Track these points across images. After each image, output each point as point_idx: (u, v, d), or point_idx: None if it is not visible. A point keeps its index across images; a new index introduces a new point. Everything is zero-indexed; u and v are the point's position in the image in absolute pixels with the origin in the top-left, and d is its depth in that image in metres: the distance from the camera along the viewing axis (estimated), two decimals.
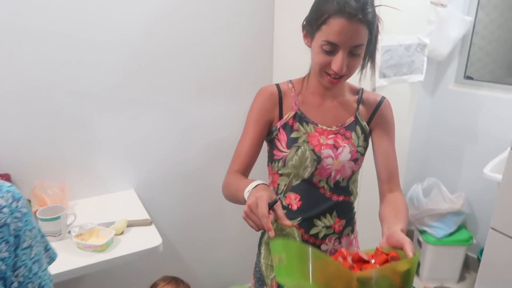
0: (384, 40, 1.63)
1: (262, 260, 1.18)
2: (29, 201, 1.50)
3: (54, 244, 1.34)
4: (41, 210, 1.38)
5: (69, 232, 1.39)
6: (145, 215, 1.56)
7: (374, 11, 0.94)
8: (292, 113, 1.07)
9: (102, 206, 1.63)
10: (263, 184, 0.91)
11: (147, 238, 1.41)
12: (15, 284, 0.72)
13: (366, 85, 1.31)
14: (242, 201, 0.92)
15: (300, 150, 1.04)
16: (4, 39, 1.39)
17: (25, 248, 0.75)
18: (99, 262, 1.28)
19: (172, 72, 1.73)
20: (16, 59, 1.43)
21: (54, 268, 1.24)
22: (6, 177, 1.50)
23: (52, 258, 0.88)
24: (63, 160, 1.62)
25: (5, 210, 0.72)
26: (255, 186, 0.90)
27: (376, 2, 0.98)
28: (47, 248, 0.86)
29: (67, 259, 1.28)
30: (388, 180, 1.11)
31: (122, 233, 1.43)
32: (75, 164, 1.65)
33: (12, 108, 1.48)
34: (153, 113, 1.75)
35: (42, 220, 1.34)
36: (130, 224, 1.47)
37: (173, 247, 1.99)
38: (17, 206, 0.75)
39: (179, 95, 1.78)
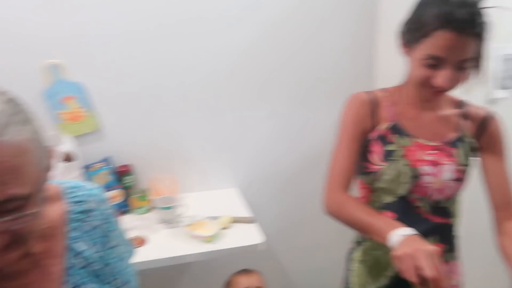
0: (505, 48, 1.47)
1: (355, 278, 1.14)
2: (146, 190, 1.65)
3: (166, 231, 1.48)
4: (157, 200, 1.51)
5: (180, 222, 1.50)
6: (248, 213, 1.61)
7: (485, 21, 0.83)
8: (388, 124, 1.00)
9: (209, 201, 1.72)
10: (417, 234, 0.84)
11: (250, 235, 1.45)
12: (107, 276, 0.78)
13: (478, 97, 1.18)
14: (376, 237, 0.88)
15: (396, 165, 0.97)
16: (124, 43, 1.56)
17: (111, 248, 0.80)
18: (206, 252, 1.36)
19: (275, 78, 1.77)
20: (135, 62, 1.59)
21: (166, 253, 1.34)
22: (129, 168, 1.67)
23: (131, 252, 0.92)
24: (177, 155, 1.75)
25: (94, 213, 0.77)
26: (408, 234, 0.83)
27: (494, 3, 0.87)
28: (127, 245, 0.90)
29: (177, 246, 1.38)
30: (504, 207, 0.99)
31: (226, 228, 1.49)
32: (186, 160, 1.77)
33: (133, 107, 1.65)
34: (257, 117, 1.80)
35: (160, 208, 1.46)
36: (235, 220, 1.53)
37: (270, 248, 2.02)
38: (103, 208, 0.80)
39: (281, 100, 1.81)
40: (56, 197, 0.73)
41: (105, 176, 1.61)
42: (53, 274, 0.70)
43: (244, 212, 1.61)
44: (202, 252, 1.35)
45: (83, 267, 0.73)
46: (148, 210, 1.64)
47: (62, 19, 1.47)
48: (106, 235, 0.78)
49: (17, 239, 0.56)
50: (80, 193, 0.76)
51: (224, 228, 1.48)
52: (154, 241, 1.41)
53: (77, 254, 0.73)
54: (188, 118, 1.72)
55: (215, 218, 1.51)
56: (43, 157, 0.57)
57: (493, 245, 1.00)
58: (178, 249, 1.37)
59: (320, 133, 1.90)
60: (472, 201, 1.31)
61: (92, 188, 0.79)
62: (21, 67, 1.47)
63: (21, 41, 1.45)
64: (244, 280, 1.50)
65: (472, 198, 1.25)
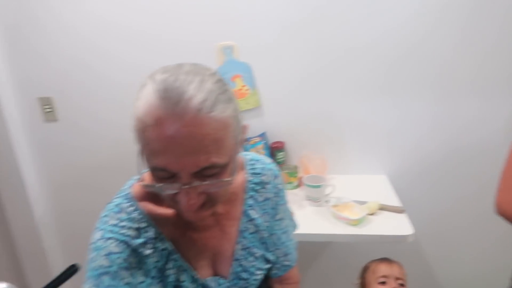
0: None
1: None
2: (296, 167, 1.73)
3: (312, 209, 1.53)
4: (306, 177, 1.58)
5: (327, 201, 1.54)
6: (396, 203, 1.55)
7: None
8: None
9: (356, 185, 1.71)
10: None
11: (398, 226, 1.40)
12: (271, 245, 0.86)
13: None
14: None
15: None
16: (289, 27, 1.62)
17: (278, 220, 0.88)
18: (349, 235, 1.37)
19: (446, 63, 1.62)
20: (299, 45, 1.65)
21: (309, 229, 1.40)
22: (282, 144, 1.78)
23: (295, 227, 0.99)
24: (328, 136, 1.78)
25: (268, 186, 0.85)
26: None
27: None
28: (291, 219, 0.97)
29: (321, 224, 1.43)
30: None
31: (373, 214, 1.47)
32: (337, 142, 1.79)
33: (291, 88, 1.72)
34: (418, 103, 1.69)
35: (308, 186, 1.52)
36: (382, 208, 1.49)
37: (416, 242, 1.92)
38: (276, 183, 0.87)
39: (450, 87, 1.65)
40: (239, 167, 0.84)
41: (261, 150, 1.74)
42: (230, 234, 0.82)
43: (392, 201, 1.56)
44: (347, 234, 1.36)
45: (253, 233, 0.83)
46: (297, 186, 1.73)
47: (237, 2, 1.63)
48: (275, 208, 0.86)
49: (210, 200, 0.66)
50: (258, 166, 0.85)
51: (370, 214, 1.46)
52: (299, 216, 1.48)
53: (250, 220, 0.82)
54: (344, 101, 1.73)
55: (362, 202, 1.50)
56: (239, 132, 0.65)
57: None
58: (322, 227, 1.41)
59: (491, 126, 1.68)
60: None
61: (268, 163, 0.87)
62: (199, 47, 1.69)
63: (199, 24, 1.66)
64: (384, 268, 1.45)
65: None
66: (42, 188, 2.03)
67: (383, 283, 1.42)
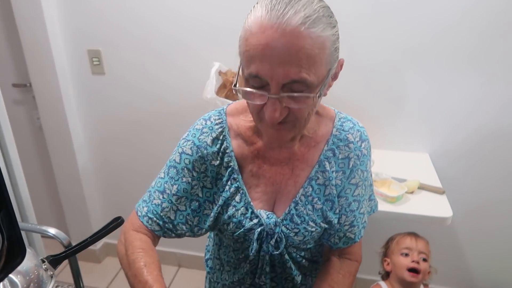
0: None
1: None
2: None
3: None
4: None
5: None
6: (437, 183, 1.51)
7: None
8: None
9: (396, 161, 1.67)
10: None
11: (437, 207, 1.36)
12: (337, 206, 0.83)
13: None
14: None
15: None
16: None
17: (353, 184, 0.84)
18: (386, 212, 1.34)
19: (491, 41, 1.51)
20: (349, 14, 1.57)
21: None
22: None
23: (372, 209, 0.95)
24: (371, 109, 1.73)
25: (351, 145, 0.82)
26: None
27: None
28: (371, 198, 0.93)
29: None
30: None
31: (412, 192, 1.43)
32: (380, 116, 1.73)
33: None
34: (471, 82, 1.59)
35: None
36: (422, 187, 1.46)
37: (452, 224, 1.87)
38: (360, 146, 0.83)
39: (492, 66, 1.55)
40: (328, 118, 0.84)
41: None
42: (298, 177, 0.82)
43: (433, 181, 1.51)
44: (384, 211, 1.33)
45: (321, 184, 0.82)
46: None
47: None
48: (353, 170, 0.83)
49: (291, 120, 0.69)
50: (347, 125, 0.84)
51: (409, 192, 1.43)
52: None
53: (323, 171, 0.82)
54: (395, 73, 1.65)
55: (401, 180, 1.47)
56: (333, 62, 0.67)
57: None
58: None
59: None
60: None
61: (360, 126, 0.86)
62: None
63: None
64: (408, 241, 1.44)
65: None
66: (86, 139, 2.11)
67: (406, 255, 1.42)
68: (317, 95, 0.65)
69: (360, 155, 0.83)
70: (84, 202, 2.20)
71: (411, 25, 1.55)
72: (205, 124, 0.83)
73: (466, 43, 1.54)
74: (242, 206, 0.81)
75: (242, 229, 0.81)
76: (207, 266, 1.01)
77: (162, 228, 0.83)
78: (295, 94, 0.64)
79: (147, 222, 0.83)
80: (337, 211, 0.84)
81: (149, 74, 1.87)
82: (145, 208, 0.84)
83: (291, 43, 0.59)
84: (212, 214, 0.83)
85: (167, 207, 0.82)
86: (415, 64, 1.62)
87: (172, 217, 0.82)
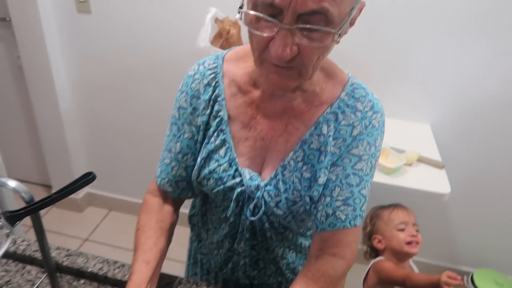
0: None
1: None
2: None
3: None
4: None
5: None
6: (437, 156, 1.43)
7: None
8: None
9: (396, 130, 1.58)
10: None
11: (435, 181, 1.30)
12: (322, 177, 0.71)
13: None
14: None
15: None
16: None
17: (353, 155, 0.71)
18: (382, 183, 1.28)
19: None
20: None
21: None
22: None
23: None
24: (370, 72, 1.61)
25: (358, 114, 0.71)
26: None
27: None
28: (369, 175, 0.77)
29: None
30: None
31: (410, 165, 1.36)
32: (383, 81, 1.63)
33: None
34: (481, 52, 1.49)
35: None
36: (421, 160, 1.39)
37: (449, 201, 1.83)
38: (371, 116, 0.72)
39: (502, 31, 1.44)
40: (339, 81, 0.74)
41: None
42: (291, 135, 0.73)
43: (433, 154, 1.44)
44: (379, 183, 1.27)
45: (315, 149, 0.72)
46: None
47: None
48: (356, 139, 0.71)
49: (299, 65, 0.60)
50: (360, 92, 0.73)
51: (408, 164, 1.36)
52: None
53: (318, 134, 0.72)
54: (404, 37, 1.53)
55: (400, 151, 1.39)
56: (357, 2, 0.58)
57: None
58: None
59: None
60: None
61: (374, 97, 0.74)
62: None
63: None
64: (402, 215, 1.40)
65: None
66: (70, 83, 1.98)
67: (401, 230, 1.39)
68: (339, 32, 0.56)
69: (368, 125, 0.71)
70: (66, 150, 2.10)
71: None
72: (197, 69, 0.76)
73: (478, 8, 1.42)
74: (226, 162, 0.74)
75: (222, 186, 0.74)
76: (190, 222, 0.94)
77: (176, 189, 0.81)
78: (314, 27, 0.54)
79: (160, 183, 0.82)
80: (325, 179, 0.71)
81: (141, 15, 1.72)
82: (159, 169, 0.82)
83: None
84: (195, 168, 0.76)
85: (176, 166, 0.79)
86: (423, 28, 1.50)
87: (184, 174, 0.80)
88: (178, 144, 0.78)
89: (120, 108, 1.99)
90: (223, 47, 1.41)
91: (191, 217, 0.94)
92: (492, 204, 1.79)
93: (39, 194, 0.98)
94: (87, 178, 0.73)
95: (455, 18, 1.46)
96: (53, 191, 0.94)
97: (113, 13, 1.74)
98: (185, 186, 0.81)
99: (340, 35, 0.56)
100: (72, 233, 2.15)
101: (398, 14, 1.49)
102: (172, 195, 0.82)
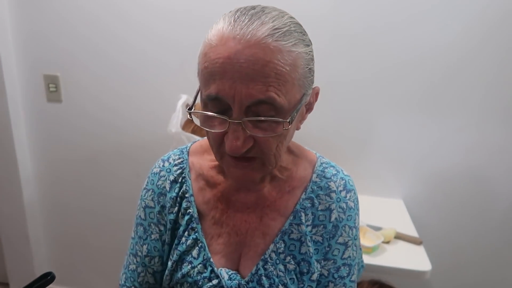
0: None
1: None
2: None
3: None
4: None
5: None
6: (413, 231, 1.42)
7: None
8: None
9: (370, 207, 1.58)
10: None
11: (414, 259, 1.27)
12: (316, 274, 0.69)
13: None
14: None
15: None
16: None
17: (340, 244, 0.70)
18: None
19: (475, 86, 1.50)
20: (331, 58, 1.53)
21: None
22: None
23: (359, 270, 0.80)
24: (343, 151, 1.66)
25: (333, 195, 0.70)
26: None
27: None
28: (360, 257, 0.79)
29: None
30: None
31: (388, 242, 1.34)
32: (353, 158, 1.67)
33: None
34: (443, 126, 1.57)
35: None
36: (398, 236, 1.37)
37: (431, 280, 1.78)
38: (345, 197, 0.71)
39: (477, 112, 1.53)
40: (308, 161, 0.73)
41: None
42: (268, 227, 0.69)
43: (409, 230, 1.43)
44: None
45: (296, 240, 0.69)
46: None
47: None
48: (338, 227, 0.70)
49: (257, 153, 0.57)
50: (330, 171, 0.72)
51: (385, 242, 1.33)
52: None
53: (298, 224, 0.69)
54: (366, 115, 1.60)
55: (377, 228, 1.38)
56: (308, 87, 0.58)
57: None
58: None
59: None
60: None
61: (345, 174, 0.74)
62: None
63: None
64: None
65: None
66: (35, 172, 1.91)
67: None
68: (288, 121, 0.55)
69: (345, 208, 0.71)
70: (28, 243, 1.96)
71: (384, 64, 1.53)
72: (163, 166, 0.73)
73: (434, 90, 1.53)
74: (200, 263, 0.68)
75: None
76: None
77: None
78: (262, 118, 0.54)
79: None
80: (318, 275, 0.69)
81: (110, 105, 1.74)
82: (123, 276, 0.76)
83: (257, 56, 0.51)
84: (166, 272, 0.70)
85: (143, 272, 0.73)
86: (387, 106, 1.58)
87: (152, 281, 0.73)
88: (145, 246, 0.72)
89: (87, 199, 1.92)
90: (194, 132, 1.42)
91: None
92: (478, 279, 1.76)
93: None
94: (46, 280, 0.67)
95: (413, 98, 1.55)
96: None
97: (83, 103, 1.75)
98: None
99: (290, 123, 0.55)
100: None
101: (359, 94, 1.57)
102: None
